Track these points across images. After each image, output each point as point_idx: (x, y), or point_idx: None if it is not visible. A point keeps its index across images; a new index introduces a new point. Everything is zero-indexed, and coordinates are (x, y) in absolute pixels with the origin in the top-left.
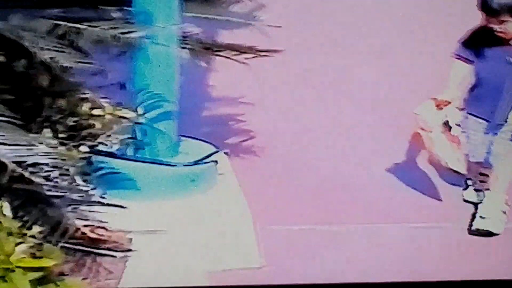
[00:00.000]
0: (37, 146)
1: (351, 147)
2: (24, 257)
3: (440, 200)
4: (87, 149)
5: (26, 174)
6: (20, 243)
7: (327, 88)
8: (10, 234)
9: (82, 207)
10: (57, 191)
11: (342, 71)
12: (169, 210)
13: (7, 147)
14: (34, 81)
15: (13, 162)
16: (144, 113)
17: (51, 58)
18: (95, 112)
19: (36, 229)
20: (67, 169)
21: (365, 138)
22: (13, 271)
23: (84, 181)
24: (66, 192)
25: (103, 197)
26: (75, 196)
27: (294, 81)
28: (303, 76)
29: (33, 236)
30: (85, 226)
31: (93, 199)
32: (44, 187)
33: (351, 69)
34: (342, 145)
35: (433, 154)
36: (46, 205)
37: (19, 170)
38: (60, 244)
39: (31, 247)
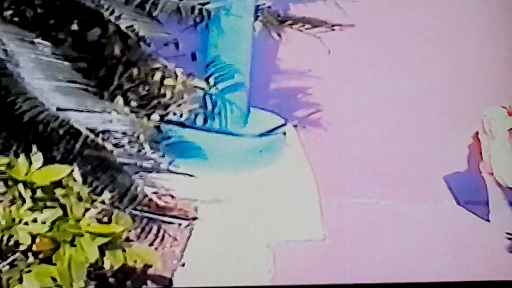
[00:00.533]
0: (110, 113)
1: (414, 130)
2: (93, 222)
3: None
4: (158, 118)
5: (99, 141)
6: (89, 209)
7: (396, 69)
8: (80, 199)
9: (151, 175)
10: (127, 158)
11: (414, 56)
12: (236, 180)
13: (81, 113)
14: (107, 50)
15: (87, 128)
16: (215, 84)
17: (127, 27)
18: (167, 81)
19: (106, 195)
20: (138, 137)
21: (429, 125)
22: (82, 235)
23: (153, 148)
24: (135, 159)
25: (171, 165)
26: (144, 163)
27: (363, 57)
28: (373, 52)
29: (102, 202)
30: (153, 193)
31: (161, 166)
32: (115, 153)
33: (424, 57)
34: (406, 124)
35: (487, 163)
36: (116, 171)
37: (92, 136)
38: (128, 211)
39: (100, 212)
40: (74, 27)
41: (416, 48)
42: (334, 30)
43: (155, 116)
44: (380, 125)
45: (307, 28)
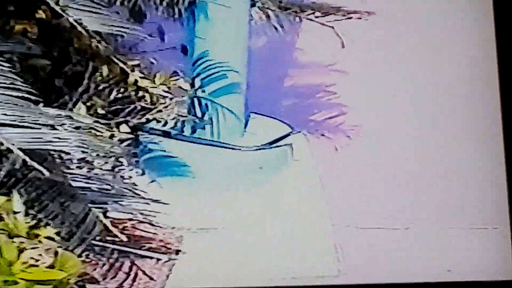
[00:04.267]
0: (61, 126)
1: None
2: (31, 267)
3: None
4: (128, 129)
5: (35, 164)
6: (27, 248)
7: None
8: (13, 236)
9: (123, 198)
10: (84, 181)
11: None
12: (230, 204)
13: (17, 129)
14: (65, 44)
15: (20, 149)
16: (201, 86)
17: (76, 20)
18: (145, 83)
19: (52, 229)
20: (105, 153)
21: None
22: (16, 283)
23: (128, 165)
24: (98, 182)
25: (151, 185)
26: (115, 185)
27: (389, 49)
28: (397, 43)
29: (48, 238)
30: (124, 221)
31: (136, 188)
32: (68, 176)
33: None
34: (451, 134)
35: None
36: (69, 198)
37: (27, 159)
38: (83, 247)
39: (40, 254)
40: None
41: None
42: (350, 18)
43: (124, 128)
44: (405, 137)
45: (317, 16)
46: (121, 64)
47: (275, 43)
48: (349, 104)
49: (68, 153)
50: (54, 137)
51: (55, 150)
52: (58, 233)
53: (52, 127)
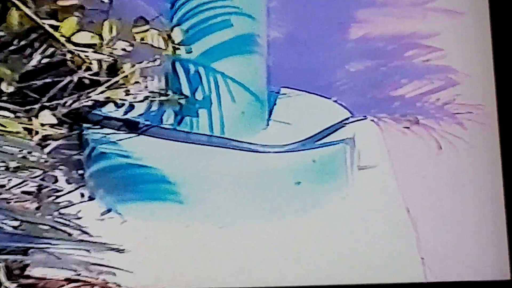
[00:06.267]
0: None
1: None
2: None
3: None
4: (54, 120)
5: None
6: None
7: None
8: None
9: (50, 244)
10: None
11: None
12: (242, 246)
13: None
14: None
15: None
16: (191, 40)
17: None
18: (85, 37)
19: None
20: (16, 164)
21: None
22: None
23: (65, 183)
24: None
25: (105, 217)
26: (30, 221)
27: None
28: None
29: None
30: (57, 284)
31: (77, 225)
32: None
33: None
34: None
35: None
36: None
37: None
38: None
39: None
40: None
41: None
42: None
43: (49, 117)
44: None
45: None
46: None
47: None
48: (464, 70)
49: None
50: None
51: None
52: None
53: None
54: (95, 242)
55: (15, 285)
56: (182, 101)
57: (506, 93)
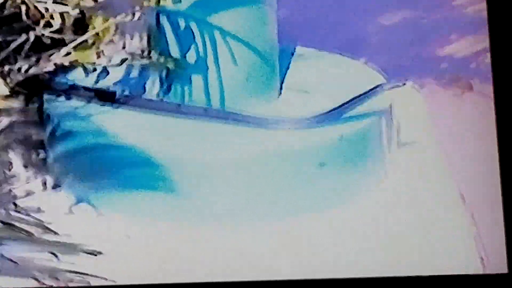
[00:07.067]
0: None
1: None
2: None
3: None
4: (7, 89)
5: None
6: None
7: None
8: None
9: (7, 244)
10: None
11: None
12: (249, 248)
13: None
14: None
15: None
16: None
17: None
18: None
19: None
20: None
21: None
22: None
23: (23, 169)
24: None
25: (76, 210)
26: None
27: None
28: None
29: None
30: None
31: (40, 221)
32: None
33: None
34: None
35: None
36: None
37: None
38: None
39: None
40: None
41: None
42: None
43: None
44: None
45: None
46: None
47: None
48: None
49: None
50: None
51: None
52: None
53: None
54: (63, 243)
55: None
56: (170, 65)
57: None
